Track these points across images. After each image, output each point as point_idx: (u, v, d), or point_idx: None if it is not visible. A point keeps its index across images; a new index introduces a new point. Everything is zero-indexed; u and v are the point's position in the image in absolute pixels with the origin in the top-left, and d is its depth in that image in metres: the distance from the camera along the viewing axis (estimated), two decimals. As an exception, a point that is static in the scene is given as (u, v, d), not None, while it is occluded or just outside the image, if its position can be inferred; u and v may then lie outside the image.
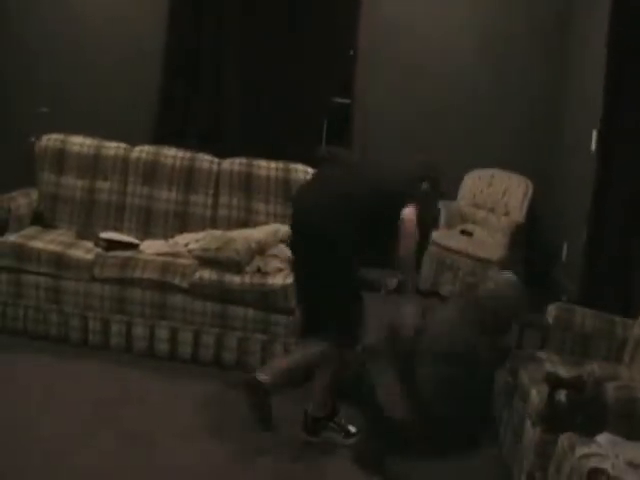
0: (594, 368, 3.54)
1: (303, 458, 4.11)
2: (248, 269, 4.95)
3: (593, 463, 3.02)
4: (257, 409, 4.14)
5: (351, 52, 7.58)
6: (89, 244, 5.22)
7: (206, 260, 4.98)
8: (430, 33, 7.27)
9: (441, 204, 6.82)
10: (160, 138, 6.81)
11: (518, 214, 6.61)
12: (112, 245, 5.19)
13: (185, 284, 4.91)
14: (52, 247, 5.07)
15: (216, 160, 5.60)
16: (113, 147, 5.61)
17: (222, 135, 7.15)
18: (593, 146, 5.94)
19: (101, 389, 4.52)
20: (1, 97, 7.35)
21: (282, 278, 4.88)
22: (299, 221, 4.20)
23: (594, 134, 5.91)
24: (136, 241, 5.34)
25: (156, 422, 4.25)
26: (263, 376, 4.08)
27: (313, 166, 5.53)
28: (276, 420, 4.21)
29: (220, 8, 7.13)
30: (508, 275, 4.65)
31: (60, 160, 5.58)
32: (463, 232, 6.58)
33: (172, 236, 5.46)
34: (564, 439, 3.28)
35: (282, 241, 5.24)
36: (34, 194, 5.58)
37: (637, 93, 5.22)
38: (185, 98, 7.27)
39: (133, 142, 5.71)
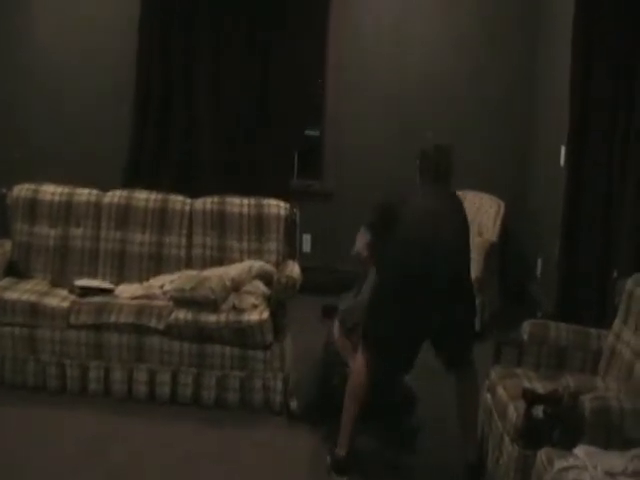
0: (569, 381, 3.55)
1: None
2: (224, 307, 4.95)
3: (572, 476, 3.04)
4: None
5: (320, 81, 7.64)
6: (64, 292, 5.21)
7: (181, 300, 4.97)
8: (397, 59, 7.33)
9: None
10: (132, 179, 6.84)
11: (491, 233, 6.63)
12: (87, 291, 5.19)
13: (161, 326, 4.91)
14: (27, 297, 5.06)
15: (188, 200, 5.60)
16: (85, 194, 5.62)
17: (194, 173, 7.17)
18: (562, 161, 5.98)
19: (81, 435, 4.51)
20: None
21: (258, 314, 4.88)
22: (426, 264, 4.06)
23: (562, 149, 5.95)
24: (111, 286, 5.35)
25: (139, 463, 4.24)
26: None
27: (286, 200, 5.57)
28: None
29: (189, 47, 7.18)
30: None
31: (32, 209, 5.58)
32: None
33: (147, 279, 5.45)
34: (542, 454, 3.29)
35: (256, 277, 5.24)
36: (7, 245, 5.58)
37: (603, 105, 5.27)
38: (156, 138, 7.29)
39: (106, 184, 5.73)
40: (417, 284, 4.05)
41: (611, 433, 3.30)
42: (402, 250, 4.14)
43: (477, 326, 4.43)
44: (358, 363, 4.23)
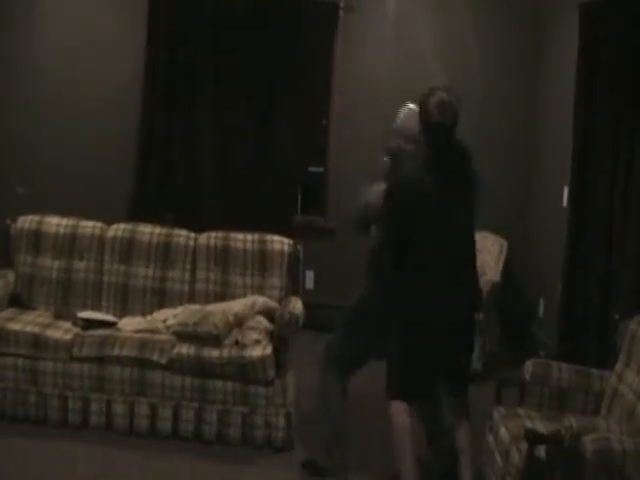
0: (572, 422, 3.55)
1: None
2: (226, 342, 4.95)
3: (574, 517, 3.04)
4: None
5: (324, 122, 7.69)
6: (67, 324, 5.21)
7: (184, 335, 4.98)
8: (401, 98, 7.34)
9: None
10: (136, 214, 6.85)
11: (494, 273, 6.65)
12: (90, 324, 5.20)
13: (164, 360, 4.90)
14: (29, 328, 5.05)
15: (192, 235, 5.62)
16: (89, 226, 5.64)
17: (198, 208, 7.20)
18: (565, 202, 6.01)
19: (83, 469, 4.48)
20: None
21: (260, 350, 4.88)
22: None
23: (565, 190, 5.99)
24: (114, 319, 5.35)
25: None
26: None
27: (289, 236, 5.59)
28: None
29: (193, 82, 7.25)
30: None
31: (36, 241, 5.59)
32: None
33: (150, 312, 5.45)
34: (544, 495, 3.28)
35: (259, 313, 5.25)
36: (11, 276, 5.58)
37: (605, 148, 5.32)
38: (160, 173, 7.33)
39: (110, 218, 5.75)
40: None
41: (613, 475, 3.29)
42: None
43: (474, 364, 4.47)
44: (396, 406, 4.19)
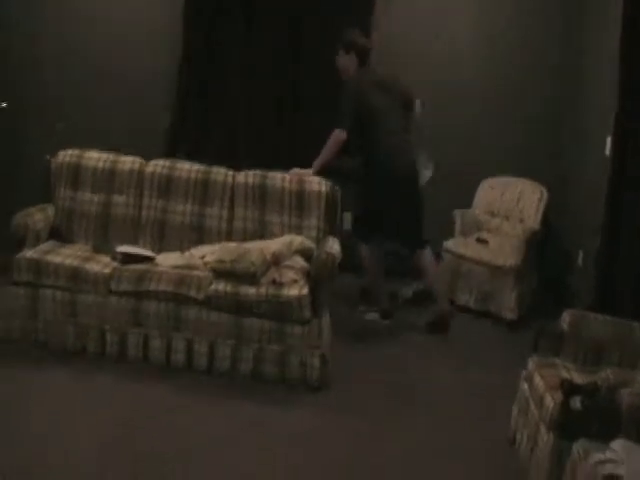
0: (608, 374, 3.54)
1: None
2: (263, 280, 4.97)
3: (608, 470, 3.03)
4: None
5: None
6: (106, 258, 5.26)
7: (221, 272, 5.01)
8: (441, 39, 7.25)
9: (456, 212, 6.83)
10: (174, 153, 6.83)
11: (533, 221, 6.60)
12: (128, 258, 5.23)
13: (201, 296, 4.94)
14: (69, 261, 5.11)
15: (231, 173, 5.64)
16: (128, 161, 5.66)
17: (236, 147, 7.17)
18: (607, 151, 5.92)
19: (119, 401, 4.54)
20: (16, 114, 7.39)
21: (297, 289, 4.90)
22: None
23: (608, 140, 5.90)
24: (152, 254, 5.38)
25: (175, 435, 4.25)
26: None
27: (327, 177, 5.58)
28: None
29: (230, 25, 7.18)
30: None
31: (76, 175, 5.63)
32: (479, 240, 6.58)
33: (188, 249, 5.48)
34: (579, 446, 3.29)
35: (296, 252, 5.27)
36: (51, 210, 5.61)
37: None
38: (198, 113, 7.29)
39: (148, 156, 5.76)
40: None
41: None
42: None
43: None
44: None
